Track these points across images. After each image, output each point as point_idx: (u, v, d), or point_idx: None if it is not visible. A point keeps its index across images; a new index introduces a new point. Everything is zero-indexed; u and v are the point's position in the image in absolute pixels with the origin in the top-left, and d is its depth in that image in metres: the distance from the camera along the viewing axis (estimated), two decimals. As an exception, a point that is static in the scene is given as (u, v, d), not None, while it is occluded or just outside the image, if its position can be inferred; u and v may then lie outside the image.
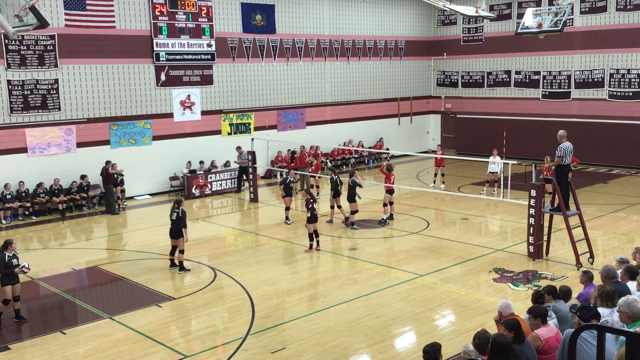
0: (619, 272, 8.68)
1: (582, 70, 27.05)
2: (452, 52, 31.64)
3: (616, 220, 17.70)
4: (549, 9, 20.49)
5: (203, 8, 23.40)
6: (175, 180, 23.05)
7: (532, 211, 14.06)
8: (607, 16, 26.18)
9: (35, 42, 19.76)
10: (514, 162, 16.49)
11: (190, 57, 23.27)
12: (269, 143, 23.25)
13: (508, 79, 29.59)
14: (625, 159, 26.05)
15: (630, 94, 25.81)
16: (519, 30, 20.64)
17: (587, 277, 8.87)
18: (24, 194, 19.51)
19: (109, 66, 21.43)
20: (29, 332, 11.00)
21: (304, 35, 26.91)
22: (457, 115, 31.73)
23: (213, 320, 11.23)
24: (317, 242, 15.23)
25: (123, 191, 21.20)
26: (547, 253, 14.37)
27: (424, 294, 12.18)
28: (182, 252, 13.89)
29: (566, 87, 27.64)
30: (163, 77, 22.77)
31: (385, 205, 17.95)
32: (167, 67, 22.78)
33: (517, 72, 29.21)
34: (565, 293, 8.25)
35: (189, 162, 22.97)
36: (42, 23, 17.05)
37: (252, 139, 22.09)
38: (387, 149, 28.76)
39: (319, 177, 22.17)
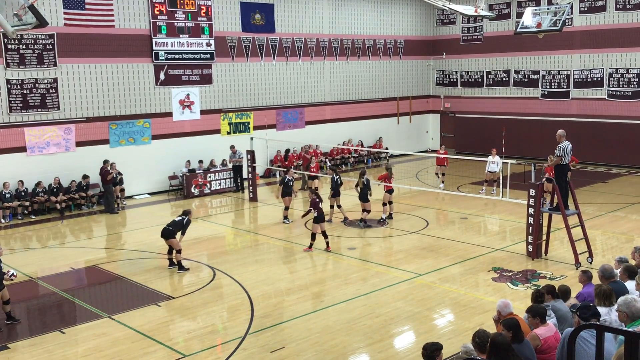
0: (617, 271, 8.69)
1: (582, 70, 27.06)
2: (451, 52, 31.64)
3: (615, 219, 17.71)
4: (548, 9, 20.47)
5: (202, 7, 23.38)
6: (175, 179, 23.04)
7: (531, 210, 14.07)
8: (606, 16, 26.19)
9: (34, 41, 19.75)
10: (513, 161, 16.48)
11: (189, 56, 23.25)
12: (268, 142, 23.24)
13: (507, 79, 29.60)
14: (624, 159, 26.06)
15: (630, 93, 25.82)
16: (518, 30, 20.62)
17: (586, 277, 8.87)
18: (23, 193, 19.49)
19: (108, 65, 21.41)
20: (28, 332, 11.00)
21: (303, 34, 26.90)
22: (456, 115, 31.73)
23: (212, 319, 11.23)
24: (327, 243, 15.17)
25: (122, 190, 21.19)
26: (546, 252, 14.37)
27: (423, 293, 12.18)
28: (179, 252, 13.88)
29: (565, 87, 27.65)
30: (162, 77, 22.76)
31: (384, 204, 17.95)
32: (166, 67, 22.77)
33: (517, 72, 29.21)
34: (564, 292, 8.25)
35: (188, 161, 22.96)
36: (41, 22, 17.02)
37: (252, 138, 22.09)
38: (387, 149, 28.76)
39: (320, 176, 22.14)
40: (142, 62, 22.19)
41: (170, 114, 23.12)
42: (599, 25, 26.43)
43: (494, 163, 20.63)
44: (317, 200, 15.29)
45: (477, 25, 30.38)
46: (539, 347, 6.81)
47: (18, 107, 19.64)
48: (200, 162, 23.03)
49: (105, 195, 20.31)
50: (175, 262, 13.93)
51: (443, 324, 10.88)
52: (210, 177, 22.85)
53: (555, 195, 13.82)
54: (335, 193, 17.86)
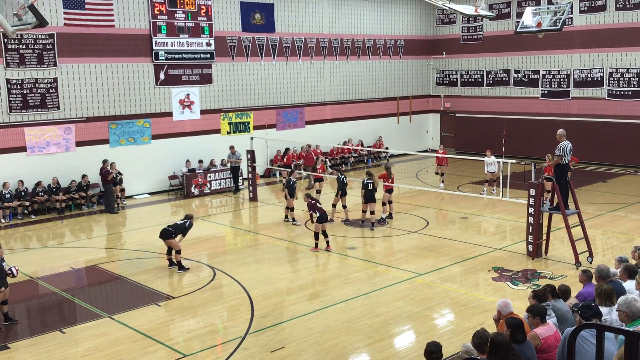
0: (618, 271, 8.69)
1: (582, 70, 27.05)
2: (451, 51, 31.64)
3: (615, 219, 17.71)
4: (548, 8, 20.47)
5: (202, 7, 23.38)
6: (175, 179, 23.03)
7: (531, 210, 14.06)
8: (606, 15, 26.18)
9: (34, 41, 19.74)
10: (513, 161, 16.48)
11: (189, 56, 23.25)
12: (268, 142, 23.24)
13: (507, 78, 29.59)
14: (624, 158, 26.06)
15: (630, 93, 25.81)
16: (518, 29, 20.61)
17: (586, 276, 8.87)
18: (23, 193, 19.49)
19: (108, 65, 21.41)
20: (28, 331, 10.99)
21: (303, 34, 26.89)
22: (457, 114, 31.73)
23: (212, 319, 11.23)
24: (327, 242, 15.16)
25: (122, 190, 21.19)
26: (546, 252, 14.37)
27: (423, 293, 12.18)
28: (178, 252, 13.89)
29: (565, 86, 27.64)
30: (162, 76, 22.75)
31: (384, 204, 17.95)
32: (166, 66, 22.77)
33: (517, 71, 29.21)
34: (564, 292, 8.25)
35: (188, 161, 22.95)
36: (41, 22, 16.98)
37: (252, 138, 22.08)
38: (387, 148, 28.76)
39: (324, 176, 22.12)
40: (142, 61, 22.19)
41: (170, 114, 23.11)
42: (599, 25, 26.42)
43: (491, 164, 20.61)
44: (313, 202, 15.31)
45: (477, 25, 30.38)
46: (539, 346, 6.80)
47: (18, 107, 19.64)
48: (200, 161, 23.02)
49: (105, 195, 20.31)
50: (175, 262, 13.92)
51: (443, 324, 10.88)
52: (210, 176, 22.85)
53: (556, 195, 13.81)
54: (343, 193, 17.84)
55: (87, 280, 14.28)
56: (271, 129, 25.65)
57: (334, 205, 18.08)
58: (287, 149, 25.49)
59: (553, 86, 28.03)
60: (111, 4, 21.23)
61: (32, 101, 19.88)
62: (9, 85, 19.44)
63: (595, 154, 26.42)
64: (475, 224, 17.77)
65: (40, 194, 19.73)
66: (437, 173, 23.18)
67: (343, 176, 17.88)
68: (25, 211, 19.57)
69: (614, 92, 26.26)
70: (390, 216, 18.09)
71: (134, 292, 12.93)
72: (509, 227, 17.24)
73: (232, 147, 23.21)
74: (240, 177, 23.40)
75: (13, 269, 11.10)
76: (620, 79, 26.01)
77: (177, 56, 22.94)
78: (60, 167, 20.38)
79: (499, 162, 19.25)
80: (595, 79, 26.71)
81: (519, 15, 25.78)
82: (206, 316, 11.35)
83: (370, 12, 29.37)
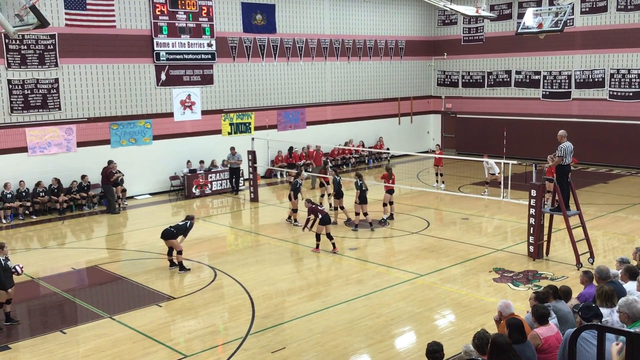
0: (619, 272, 8.69)
1: (583, 70, 27.04)
2: (452, 52, 31.64)
3: (616, 220, 17.70)
4: (549, 9, 20.48)
5: (203, 8, 23.40)
6: (176, 179, 23.05)
7: (532, 211, 14.06)
8: (607, 16, 26.18)
9: (35, 42, 19.76)
10: (514, 162, 16.47)
11: (190, 56, 23.27)
12: (269, 143, 23.24)
13: (508, 79, 29.59)
14: (625, 159, 26.04)
15: (631, 94, 25.80)
16: (519, 30, 20.63)
17: (587, 277, 8.87)
18: (24, 194, 19.50)
19: (109, 66, 21.43)
20: (29, 332, 11.00)
21: (305, 35, 26.91)
22: (458, 115, 31.73)
23: (213, 319, 11.23)
24: (333, 244, 15.13)
25: (124, 191, 21.20)
26: (547, 253, 14.36)
27: (424, 293, 12.18)
28: (179, 252, 13.89)
29: (566, 87, 27.63)
30: (163, 77, 22.77)
31: (385, 205, 17.95)
32: (167, 67, 22.78)
33: (518, 72, 29.21)
34: (565, 293, 8.24)
35: (189, 161, 22.96)
36: (43, 22, 17.00)
37: (253, 139, 22.08)
38: (388, 149, 28.76)
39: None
40: (143, 62, 22.21)
41: (171, 115, 23.13)
42: (600, 26, 26.41)
43: (491, 167, 20.54)
44: (314, 206, 15.30)
45: (478, 26, 30.38)
46: (540, 346, 6.80)
47: (19, 108, 19.65)
48: (201, 162, 23.03)
49: (106, 195, 20.32)
50: (176, 263, 13.93)
51: (444, 325, 10.87)
52: (211, 177, 22.86)
53: (557, 196, 13.80)
54: (338, 194, 17.83)
55: (88, 280, 14.29)
56: (272, 129, 25.66)
57: (335, 208, 18.07)
58: (290, 148, 25.46)
59: (554, 87, 28.02)
60: (112, 5, 21.25)
61: (33, 102, 19.89)
62: (11, 86, 19.46)
63: (596, 155, 26.40)
64: (476, 225, 17.77)
65: (40, 194, 19.74)
66: (436, 174, 23.17)
67: (339, 177, 17.86)
68: (27, 212, 19.58)
69: (615, 93, 26.24)
70: (391, 217, 18.09)
71: (135, 293, 12.93)
72: (510, 228, 17.24)
73: (232, 148, 23.21)
74: (242, 178, 23.40)
75: (17, 267, 11.13)
76: (622, 80, 26.00)
77: (178, 57, 22.95)
78: (61, 168, 20.39)
79: (498, 163, 19.24)
80: (596, 80, 26.70)
81: (520, 16, 25.82)
82: (207, 317, 11.35)
83: (372, 12, 29.37)
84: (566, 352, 5.79)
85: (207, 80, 23.94)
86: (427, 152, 31.15)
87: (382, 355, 9.59)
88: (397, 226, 17.54)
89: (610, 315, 6.92)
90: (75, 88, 20.77)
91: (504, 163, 16.94)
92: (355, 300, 11.90)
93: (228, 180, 23.17)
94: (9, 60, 19.36)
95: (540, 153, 21.90)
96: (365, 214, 17.10)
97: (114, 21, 21.35)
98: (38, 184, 19.76)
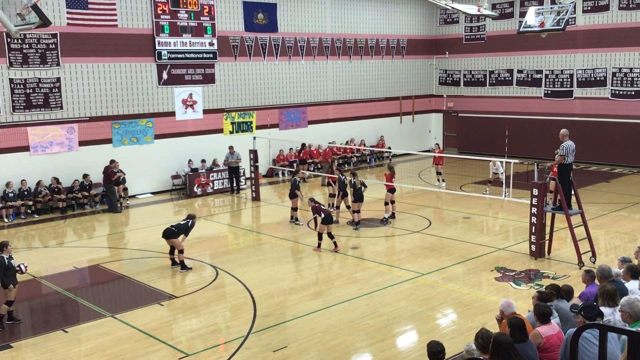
0: (620, 271, 8.68)
1: (585, 69, 27.01)
2: (454, 51, 31.61)
3: (618, 219, 17.68)
4: (551, 8, 20.46)
5: (205, 7, 23.39)
6: (177, 178, 23.06)
7: (534, 210, 14.04)
8: (609, 15, 26.14)
9: (37, 41, 19.77)
10: (516, 161, 16.45)
11: (192, 55, 23.27)
12: (271, 142, 23.24)
13: (510, 78, 29.56)
14: (627, 158, 26.01)
15: (633, 92, 25.76)
16: (521, 29, 20.60)
17: (589, 276, 8.86)
18: (26, 193, 19.52)
19: (111, 65, 21.44)
20: (31, 331, 11.01)
21: (306, 33, 26.89)
22: (459, 114, 31.70)
23: (215, 318, 11.24)
24: (335, 243, 15.13)
25: (125, 189, 21.22)
26: (549, 252, 14.35)
27: (425, 292, 12.17)
28: (181, 251, 13.90)
29: (568, 86, 27.60)
30: (165, 76, 22.77)
31: (386, 204, 17.94)
32: (169, 66, 22.79)
33: (520, 71, 29.17)
34: (567, 292, 8.24)
35: (191, 160, 22.96)
36: (44, 22, 17.02)
37: (254, 138, 22.08)
38: (389, 148, 28.75)
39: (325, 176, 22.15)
40: (144, 61, 22.21)
41: (173, 114, 23.14)
42: (602, 25, 26.37)
43: (497, 168, 20.48)
44: (317, 205, 15.30)
45: (480, 25, 30.34)
46: (541, 345, 6.80)
47: (21, 107, 19.67)
48: (203, 161, 23.03)
49: (107, 194, 20.33)
50: (178, 262, 13.94)
51: (446, 324, 10.87)
52: (212, 176, 22.87)
53: (559, 195, 13.79)
54: (344, 193, 17.83)
55: (90, 279, 14.31)
56: (274, 128, 25.66)
57: (337, 207, 18.07)
58: (303, 145, 25.45)
59: (556, 86, 27.99)
60: (114, 4, 21.26)
61: (35, 101, 19.91)
62: (12, 85, 19.47)
63: (598, 153, 26.37)
64: (478, 224, 17.76)
65: (41, 192, 19.74)
66: (437, 172, 23.17)
67: (343, 177, 17.87)
68: (28, 211, 19.60)
69: (617, 92, 26.20)
70: (393, 216, 18.08)
71: (137, 292, 12.94)
72: (511, 227, 17.23)
73: (231, 147, 23.16)
74: (243, 177, 23.40)
75: (22, 265, 11.16)
76: (624, 78, 25.96)
77: (179, 56, 22.96)
78: (63, 167, 20.41)
79: (500, 162, 19.24)
80: (598, 78, 26.66)
81: (522, 15, 25.78)
82: (209, 316, 11.36)
83: (373, 11, 29.36)
84: (568, 351, 5.78)
85: (209, 79, 23.95)
86: (428, 151, 31.12)
87: (384, 354, 9.59)
88: (399, 225, 17.53)
89: (612, 315, 6.91)
90: (77, 87, 20.79)
91: (506, 162, 16.92)
92: (356, 299, 11.90)
93: (228, 180, 23.12)
94: (11, 60, 19.38)
95: (542, 152, 21.91)
96: (358, 212, 17.19)
97: (115, 20, 21.36)
98: (39, 182, 19.76)
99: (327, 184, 20.40)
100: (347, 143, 28.17)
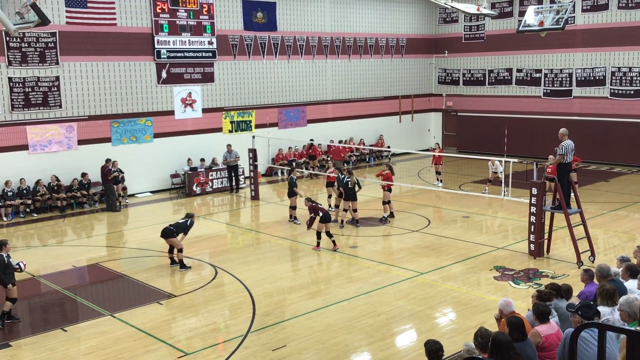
0: (619, 270, 8.69)
1: (584, 69, 27.02)
2: (453, 50, 31.60)
3: (617, 218, 17.69)
4: (550, 7, 20.46)
5: (204, 5, 23.38)
6: (176, 177, 23.05)
7: (533, 209, 14.05)
8: (608, 14, 26.14)
9: (36, 40, 19.76)
10: (515, 160, 16.46)
11: (191, 54, 23.26)
12: (270, 141, 23.23)
13: (509, 77, 29.56)
14: (626, 157, 26.02)
15: (632, 92, 25.77)
16: (520, 28, 20.61)
17: (588, 276, 8.87)
18: (25, 192, 19.51)
19: (110, 63, 21.43)
20: (30, 330, 11.01)
21: (305, 32, 26.88)
22: (459, 113, 31.71)
23: (214, 317, 11.24)
24: (334, 242, 15.12)
25: (125, 188, 21.21)
26: (548, 251, 14.36)
27: (424, 292, 12.18)
28: (180, 250, 13.90)
29: (567, 85, 27.60)
30: (164, 75, 22.76)
31: (384, 203, 17.93)
32: (168, 65, 22.77)
33: (519, 70, 29.17)
34: (566, 291, 8.24)
35: (190, 159, 22.96)
36: (43, 20, 17.05)
37: (253, 137, 22.06)
38: (388, 147, 28.75)
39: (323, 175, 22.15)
40: (144, 60, 22.20)
41: (172, 112, 23.13)
42: (601, 24, 26.38)
43: (496, 168, 20.49)
44: (314, 204, 15.30)
45: (480, 24, 30.34)
46: (540, 344, 6.80)
47: (20, 106, 19.66)
48: (202, 160, 23.03)
49: (106, 193, 20.33)
50: (177, 261, 13.94)
51: (445, 323, 10.88)
52: (212, 175, 22.86)
53: (558, 194, 13.80)
54: (343, 194, 17.81)
55: (89, 278, 14.31)
56: (273, 127, 25.65)
57: (337, 206, 18.07)
58: (312, 141, 25.51)
59: (555, 85, 27.99)
60: (113, 3, 21.24)
61: (34, 100, 19.89)
62: (11, 84, 19.46)
63: (597, 153, 26.38)
64: (477, 223, 17.76)
65: (40, 191, 19.73)
66: (436, 172, 23.17)
67: (343, 176, 17.86)
68: (27, 209, 19.59)
69: (616, 91, 26.21)
70: (392, 215, 18.08)
71: (136, 291, 12.94)
72: (510, 226, 17.23)
73: (229, 146, 23.11)
74: (242, 176, 23.39)
75: (21, 264, 11.16)
76: (623, 78, 25.97)
77: (179, 55, 22.95)
78: (62, 166, 20.40)
79: (499, 161, 19.25)
80: (597, 78, 26.67)
81: (522, 14, 25.80)
82: (208, 314, 11.36)
83: (372, 10, 29.35)
84: (565, 351, 5.79)
85: (208, 78, 23.93)
86: (427, 150, 31.11)
87: (383, 354, 9.60)
88: (398, 224, 17.54)
89: (611, 314, 6.91)
90: (76, 86, 20.77)
91: (505, 161, 16.92)
92: (355, 298, 11.90)
93: (227, 179, 23.11)
94: (10, 58, 19.36)
95: (541, 151, 21.91)
96: (355, 211, 17.23)
97: (114, 19, 21.34)
98: (38, 181, 19.75)
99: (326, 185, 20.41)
100: (346, 142, 28.17)
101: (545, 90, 28.34)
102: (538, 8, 20.69)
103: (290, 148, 25.98)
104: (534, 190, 14.01)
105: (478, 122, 30.53)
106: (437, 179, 22.96)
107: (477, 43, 30.63)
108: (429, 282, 12.71)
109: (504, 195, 16.46)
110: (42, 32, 19.55)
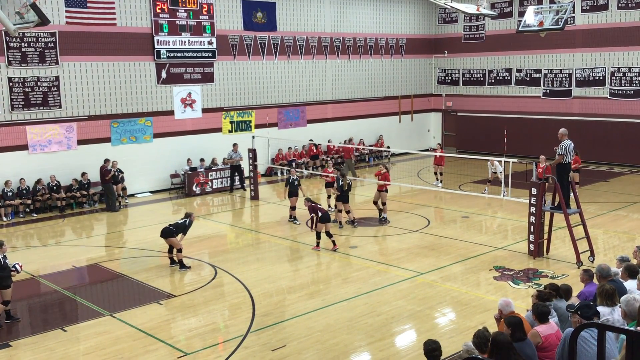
0: (619, 270, 8.69)
1: (583, 69, 27.02)
2: (453, 50, 31.61)
3: (617, 218, 17.70)
4: (550, 7, 20.47)
5: (204, 5, 23.38)
6: (176, 177, 23.05)
7: (532, 209, 14.05)
8: (608, 14, 26.15)
9: (36, 40, 19.75)
10: (515, 160, 16.46)
11: (191, 54, 23.26)
12: (270, 141, 23.23)
13: (509, 77, 29.57)
14: (626, 158, 26.03)
15: (631, 92, 25.78)
16: (520, 29, 20.62)
17: (587, 276, 8.87)
18: (24, 192, 19.51)
19: (110, 63, 21.42)
20: (29, 330, 11.01)
21: (305, 32, 26.89)
22: (458, 114, 31.71)
23: (213, 317, 11.24)
24: (333, 242, 15.11)
25: (124, 189, 21.21)
26: (547, 251, 14.36)
27: (424, 292, 12.18)
28: (179, 250, 13.90)
29: (567, 86, 27.61)
30: (164, 75, 22.76)
31: (384, 204, 17.90)
32: (167, 65, 22.77)
33: (518, 70, 29.18)
34: (566, 291, 8.24)
35: (190, 159, 22.96)
36: (43, 20, 17.06)
37: (253, 137, 22.06)
38: (388, 147, 28.75)
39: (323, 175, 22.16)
40: (143, 60, 22.20)
41: (172, 112, 23.13)
42: (601, 24, 26.38)
43: (495, 168, 20.49)
44: (313, 204, 15.30)
45: (479, 24, 30.34)
46: (540, 344, 6.80)
47: (20, 105, 19.65)
48: (202, 160, 23.03)
49: (105, 193, 20.33)
50: (177, 261, 13.94)
51: (444, 323, 10.88)
52: (211, 175, 22.86)
53: (557, 194, 13.80)
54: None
55: (88, 278, 14.30)
56: (273, 127, 25.66)
57: (336, 207, 18.05)
58: (311, 140, 25.62)
59: (555, 85, 28.00)
60: (113, 3, 21.24)
61: (34, 99, 19.89)
62: (11, 84, 19.46)
63: (597, 153, 26.38)
64: (477, 223, 17.77)
65: (40, 191, 19.73)
66: (436, 173, 23.15)
67: (339, 179, 17.84)
68: (27, 209, 19.58)
69: (615, 92, 26.22)
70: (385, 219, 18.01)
71: (136, 291, 12.94)
72: (510, 226, 17.24)
73: (235, 145, 23.17)
74: (244, 176, 23.38)
75: (17, 265, 11.15)
76: (622, 78, 25.98)
77: (178, 55, 22.94)
78: (62, 166, 20.39)
79: (499, 161, 19.24)
80: (597, 78, 26.68)
81: (521, 14, 25.80)
82: (207, 315, 11.36)
83: (372, 10, 29.35)
84: (565, 351, 5.79)
85: (208, 78, 23.94)
86: (427, 150, 31.13)
87: (382, 354, 9.60)
88: (397, 224, 17.54)
89: (611, 314, 6.92)
90: (75, 86, 20.77)
91: (505, 161, 16.92)
92: (355, 298, 11.90)
93: (229, 179, 23.13)
94: (10, 58, 19.36)
95: (541, 151, 21.86)
96: (348, 212, 17.24)
97: (114, 19, 21.34)
98: (38, 181, 19.75)
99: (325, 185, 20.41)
100: (345, 142, 28.15)
101: (544, 91, 28.34)
102: (538, 8, 20.71)
103: (290, 148, 25.98)
104: (534, 191, 14.02)
105: (478, 122, 30.53)
106: (437, 179, 22.96)
107: (476, 43, 30.63)
108: (429, 282, 12.71)
109: (504, 195, 16.46)
110: (42, 32, 19.55)
